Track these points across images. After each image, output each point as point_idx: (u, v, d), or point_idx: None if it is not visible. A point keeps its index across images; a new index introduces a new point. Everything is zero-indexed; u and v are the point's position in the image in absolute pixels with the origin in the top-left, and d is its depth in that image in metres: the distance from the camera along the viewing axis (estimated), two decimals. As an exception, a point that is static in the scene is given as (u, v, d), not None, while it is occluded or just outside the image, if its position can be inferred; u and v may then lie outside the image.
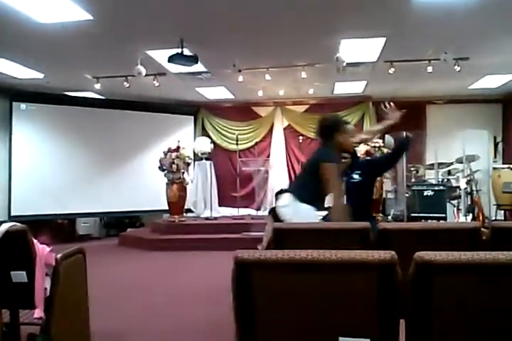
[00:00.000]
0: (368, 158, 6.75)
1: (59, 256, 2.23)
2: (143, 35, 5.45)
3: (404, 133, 5.27)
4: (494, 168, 8.28)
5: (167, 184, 8.11)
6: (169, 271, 5.94)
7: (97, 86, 7.49)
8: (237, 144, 8.98)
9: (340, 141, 3.41)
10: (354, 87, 8.65)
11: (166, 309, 4.10)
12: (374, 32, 5.48)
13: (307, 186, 3.32)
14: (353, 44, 5.86)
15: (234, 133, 9.29)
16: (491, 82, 8.14)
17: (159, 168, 8.10)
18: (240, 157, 9.20)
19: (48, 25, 4.94)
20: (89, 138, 8.58)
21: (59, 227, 8.54)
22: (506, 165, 8.05)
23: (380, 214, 8.17)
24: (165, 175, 8.10)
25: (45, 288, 2.20)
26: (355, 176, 3.78)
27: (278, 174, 9.75)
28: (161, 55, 6.08)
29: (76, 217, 8.78)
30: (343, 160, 3.62)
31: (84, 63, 6.72)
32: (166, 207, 8.26)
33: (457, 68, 6.44)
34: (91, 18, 4.76)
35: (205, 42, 5.73)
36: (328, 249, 1.44)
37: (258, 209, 9.10)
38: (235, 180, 9.18)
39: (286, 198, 3.31)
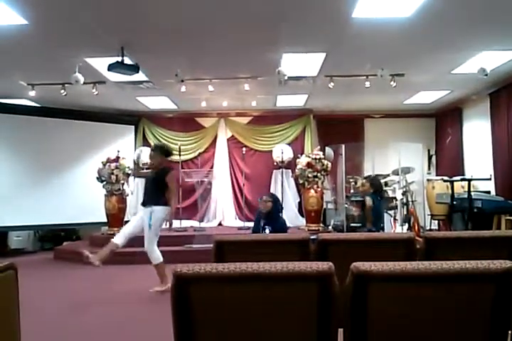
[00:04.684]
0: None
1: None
2: (82, 41, 5.29)
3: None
4: (428, 180, 8.63)
5: (106, 195, 7.87)
6: (109, 286, 5.71)
7: (32, 93, 7.18)
8: (179, 155, 8.88)
9: None
10: (296, 100, 8.82)
11: (107, 332, 3.84)
12: (315, 47, 5.63)
13: None
14: (294, 58, 5.98)
15: (176, 144, 9.18)
16: (425, 97, 8.57)
17: (97, 178, 7.85)
18: (182, 168, 9.09)
19: (-22, 29, 4.70)
20: (22, 147, 8.18)
21: (-12, 241, 8.07)
22: (439, 177, 8.41)
23: (321, 225, 8.32)
24: (103, 186, 7.85)
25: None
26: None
27: (221, 185, 9.73)
28: (100, 63, 5.93)
29: (8, 230, 8.31)
30: None
31: (18, 69, 6.43)
32: (105, 220, 8.00)
33: (393, 84, 6.72)
34: (26, 22, 4.58)
35: (147, 51, 5.65)
36: (269, 261, 1.44)
37: (201, 220, 9.02)
38: (177, 191, 9.05)
39: None
